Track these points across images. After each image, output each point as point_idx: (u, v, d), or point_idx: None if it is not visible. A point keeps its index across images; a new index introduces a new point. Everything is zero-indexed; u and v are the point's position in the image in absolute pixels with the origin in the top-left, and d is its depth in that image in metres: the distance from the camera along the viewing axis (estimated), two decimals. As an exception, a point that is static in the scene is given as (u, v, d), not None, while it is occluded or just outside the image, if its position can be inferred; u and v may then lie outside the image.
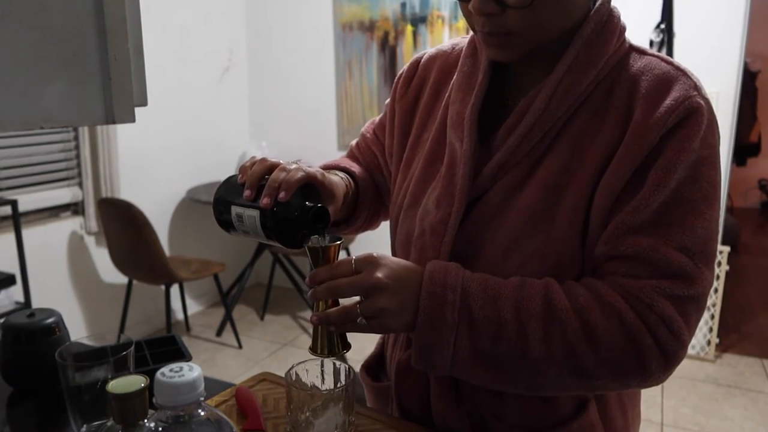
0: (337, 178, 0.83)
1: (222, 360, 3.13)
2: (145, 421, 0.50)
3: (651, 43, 2.89)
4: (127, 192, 3.13)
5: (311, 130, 3.85)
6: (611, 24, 0.72)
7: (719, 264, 3.00)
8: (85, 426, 0.75)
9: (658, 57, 0.74)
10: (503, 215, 0.74)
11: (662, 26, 2.87)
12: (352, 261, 0.68)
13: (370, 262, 0.68)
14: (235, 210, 0.71)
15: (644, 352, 0.67)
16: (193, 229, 3.66)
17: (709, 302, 3.03)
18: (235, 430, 0.53)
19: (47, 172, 2.93)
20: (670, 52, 2.88)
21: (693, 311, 0.69)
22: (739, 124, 2.83)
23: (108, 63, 0.50)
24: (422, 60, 0.91)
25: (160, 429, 0.49)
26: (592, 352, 0.67)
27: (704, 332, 3.09)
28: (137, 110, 0.54)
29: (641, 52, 0.75)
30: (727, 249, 2.99)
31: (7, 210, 2.58)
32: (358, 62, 3.61)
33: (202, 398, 0.51)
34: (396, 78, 0.94)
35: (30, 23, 0.47)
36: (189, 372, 0.49)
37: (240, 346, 3.24)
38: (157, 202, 3.41)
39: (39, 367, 0.88)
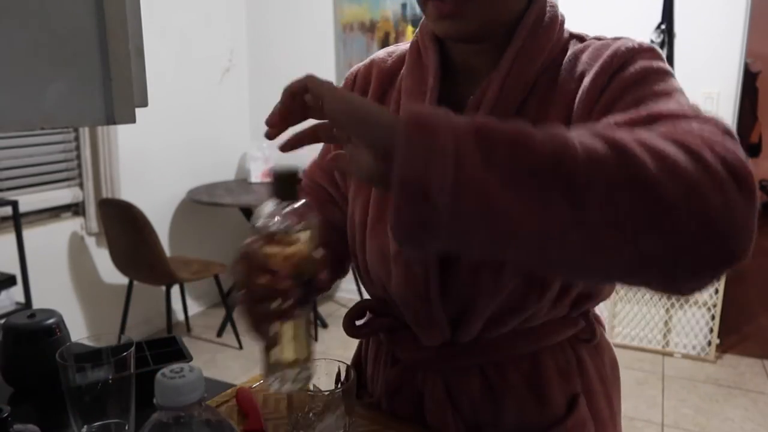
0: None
1: (223, 361, 3.13)
2: (147, 421, 0.50)
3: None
4: (127, 192, 3.14)
5: (312, 131, 3.85)
6: (552, 14, 0.74)
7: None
8: (85, 427, 0.75)
9: (596, 38, 0.75)
10: None
11: (663, 27, 2.87)
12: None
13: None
14: None
15: (704, 158, 0.47)
16: (193, 229, 3.66)
17: (709, 302, 3.05)
18: (235, 431, 0.53)
19: (48, 173, 2.93)
20: (670, 53, 2.88)
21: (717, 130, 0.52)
22: (740, 125, 2.83)
23: (109, 64, 0.50)
24: (357, 74, 0.89)
25: (161, 430, 0.49)
26: (651, 156, 0.46)
27: (705, 333, 3.09)
28: (138, 111, 0.54)
29: (581, 38, 0.76)
30: (727, 249, 2.98)
31: (7, 211, 2.58)
32: (358, 63, 3.60)
33: (202, 399, 0.51)
34: None
35: (30, 23, 0.47)
36: (189, 373, 0.49)
37: (241, 347, 3.24)
38: (157, 202, 3.41)
39: (39, 368, 0.88)
